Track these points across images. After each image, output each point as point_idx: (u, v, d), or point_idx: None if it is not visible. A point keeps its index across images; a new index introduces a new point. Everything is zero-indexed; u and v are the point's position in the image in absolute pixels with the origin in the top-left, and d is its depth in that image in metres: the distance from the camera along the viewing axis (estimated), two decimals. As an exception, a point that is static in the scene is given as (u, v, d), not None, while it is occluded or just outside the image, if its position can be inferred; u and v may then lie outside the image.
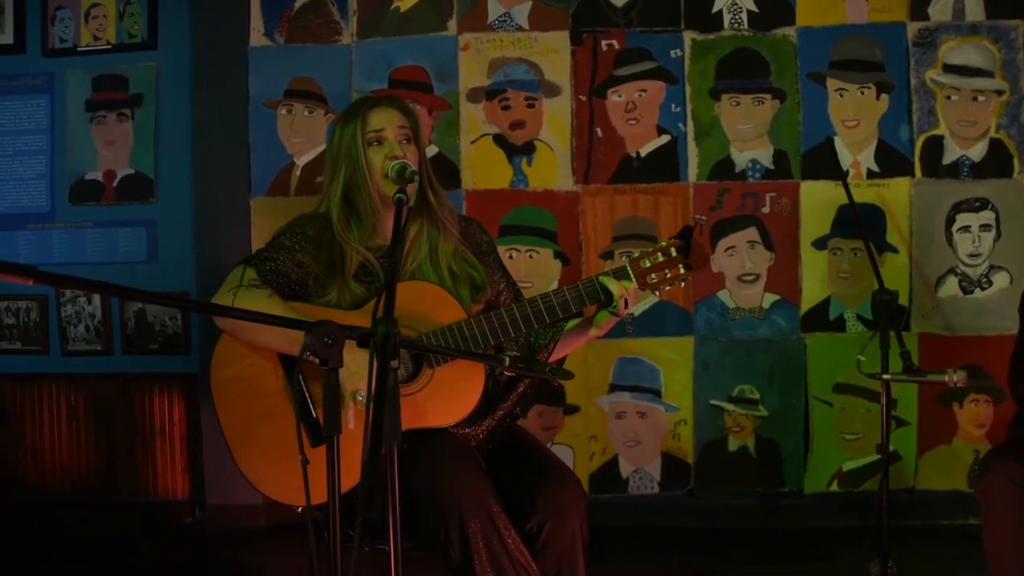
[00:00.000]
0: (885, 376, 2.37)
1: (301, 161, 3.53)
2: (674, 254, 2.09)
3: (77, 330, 3.67)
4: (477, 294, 2.25)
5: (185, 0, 3.56)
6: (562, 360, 2.32)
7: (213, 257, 3.51)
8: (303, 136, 3.53)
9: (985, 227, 3.37)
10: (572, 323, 2.25)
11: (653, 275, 2.10)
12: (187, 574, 3.26)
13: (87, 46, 3.63)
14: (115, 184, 3.64)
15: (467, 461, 2.04)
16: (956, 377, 2.28)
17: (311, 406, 2.08)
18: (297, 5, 3.51)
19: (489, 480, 2.03)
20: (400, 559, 1.42)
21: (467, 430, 2.19)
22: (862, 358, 2.46)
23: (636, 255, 2.13)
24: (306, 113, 3.53)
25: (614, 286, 2.08)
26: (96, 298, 3.64)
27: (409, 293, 2.11)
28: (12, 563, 3.27)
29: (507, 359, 1.87)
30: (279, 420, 2.09)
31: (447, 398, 2.08)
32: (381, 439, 1.18)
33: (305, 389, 2.08)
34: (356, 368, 1.99)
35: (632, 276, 2.10)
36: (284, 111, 3.53)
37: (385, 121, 2.21)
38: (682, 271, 2.09)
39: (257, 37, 3.52)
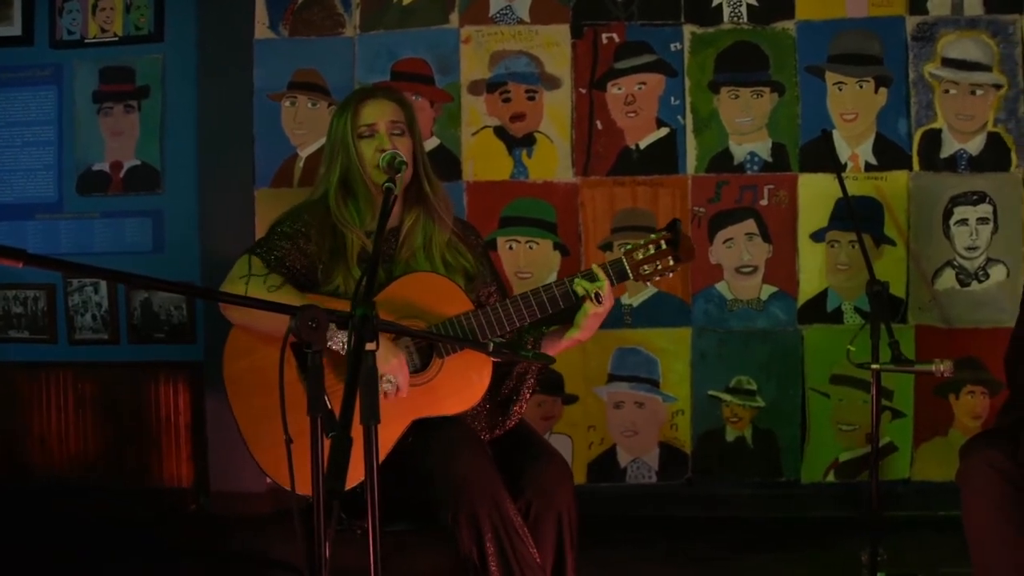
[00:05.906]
0: (874, 366, 2.40)
1: (304, 153, 3.57)
2: (664, 247, 2.15)
3: (84, 319, 3.73)
4: (471, 283, 2.31)
5: (191, -7, 3.61)
6: None
7: (218, 248, 3.55)
8: (306, 128, 3.56)
9: (982, 220, 3.37)
10: (555, 327, 2.28)
11: (646, 267, 2.16)
12: (193, 559, 3.31)
13: (94, 38, 3.68)
14: (122, 175, 3.69)
15: (475, 447, 2.11)
16: (943, 367, 2.30)
17: (326, 396, 2.12)
18: (301, -2, 3.56)
19: (495, 466, 2.08)
20: (379, 537, 1.45)
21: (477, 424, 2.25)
22: (852, 348, 2.48)
23: (630, 247, 2.18)
24: (309, 105, 3.57)
25: (581, 287, 2.12)
26: (103, 288, 3.69)
27: (419, 285, 2.19)
28: (20, 547, 3.33)
29: (491, 344, 1.92)
30: (293, 412, 2.12)
31: (458, 386, 2.14)
32: (351, 416, 1.21)
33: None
34: (382, 353, 2.00)
35: (628, 268, 2.16)
36: (288, 103, 3.57)
37: (377, 115, 2.25)
38: (671, 263, 2.15)
39: (262, 30, 3.56)
